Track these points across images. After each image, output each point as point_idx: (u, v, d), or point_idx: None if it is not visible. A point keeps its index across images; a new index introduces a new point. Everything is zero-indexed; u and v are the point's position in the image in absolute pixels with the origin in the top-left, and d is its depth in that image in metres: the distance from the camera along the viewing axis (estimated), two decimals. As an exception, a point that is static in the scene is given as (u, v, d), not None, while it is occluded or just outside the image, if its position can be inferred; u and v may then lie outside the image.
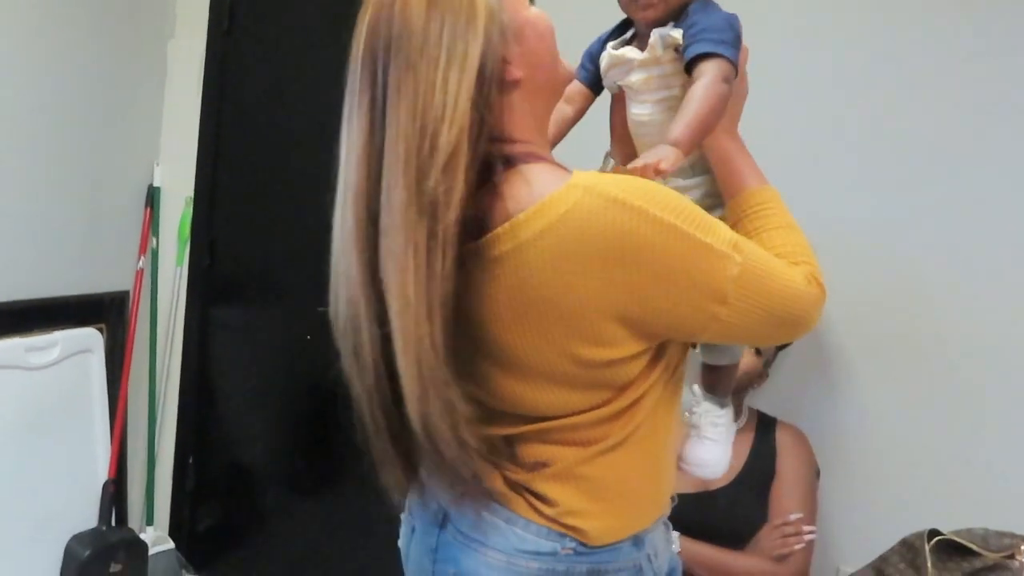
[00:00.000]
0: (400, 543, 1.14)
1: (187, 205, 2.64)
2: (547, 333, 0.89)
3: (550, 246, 0.85)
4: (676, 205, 0.87)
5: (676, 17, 1.02)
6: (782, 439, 1.86)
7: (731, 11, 1.04)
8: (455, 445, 0.90)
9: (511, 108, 0.94)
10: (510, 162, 0.90)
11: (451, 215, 0.84)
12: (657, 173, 0.88)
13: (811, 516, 1.83)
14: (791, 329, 0.98)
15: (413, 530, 1.10)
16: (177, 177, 2.65)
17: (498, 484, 1.00)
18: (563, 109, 1.14)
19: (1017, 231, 1.87)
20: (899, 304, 1.98)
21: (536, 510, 0.97)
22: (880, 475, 1.99)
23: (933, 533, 1.66)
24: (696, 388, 1.24)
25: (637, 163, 0.88)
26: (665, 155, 0.88)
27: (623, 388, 0.95)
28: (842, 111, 2.00)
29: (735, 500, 1.77)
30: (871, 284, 1.99)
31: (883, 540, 1.79)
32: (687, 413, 1.23)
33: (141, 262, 2.60)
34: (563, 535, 0.96)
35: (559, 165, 0.95)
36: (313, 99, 2.48)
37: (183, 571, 2.64)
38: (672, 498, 1.11)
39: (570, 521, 0.96)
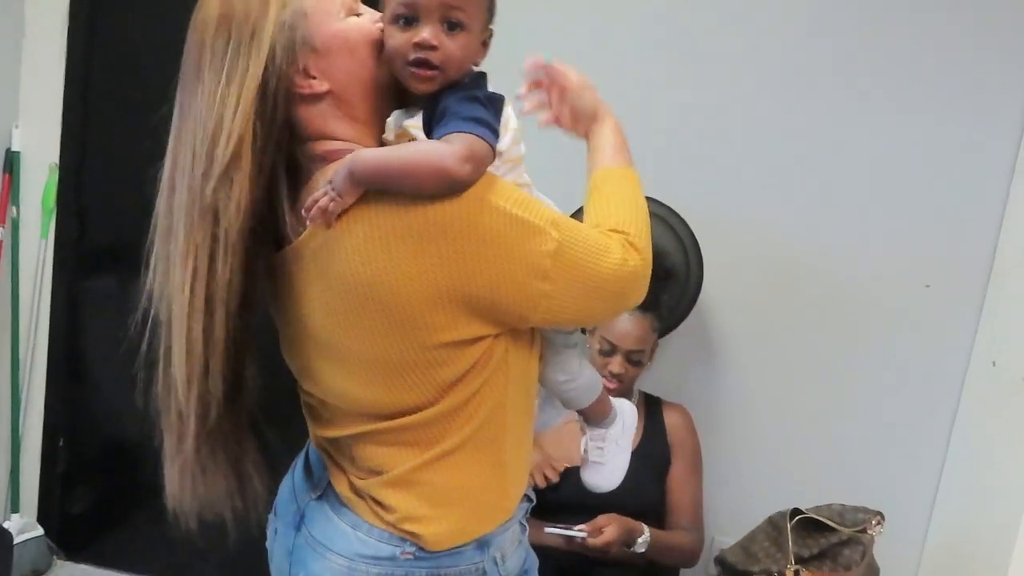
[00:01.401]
0: (267, 543, 1.15)
1: (51, 172, 2.44)
2: (372, 318, 0.90)
3: (363, 231, 0.87)
4: (489, 182, 0.89)
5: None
6: (671, 419, 1.95)
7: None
8: (197, 432, 0.95)
9: (323, 114, 0.95)
10: (322, 160, 0.94)
11: (232, 221, 0.89)
12: (322, 217, 0.87)
13: (700, 489, 1.93)
14: (618, 302, 0.99)
15: (276, 531, 1.12)
16: (39, 141, 2.44)
17: (345, 489, 1.03)
18: None
19: (893, 217, 2.01)
20: (777, 287, 2.08)
21: (377, 515, 0.99)
22: (754, 451, 2.12)
23: (795, 512, 1.78)
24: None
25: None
26: (333, 186, 0.87)
27: (452, 384, 0.95)
28: (714, 104, 2.07)
29: (628, 478, 1.83)
30: (750, 270, 2.09)
31: (755, 512, 1.90)
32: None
33: (0, 233, 2.41)
34: (403, 539, 0.98)
35: None
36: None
37: (54, 558, 2.52)
38: (527, 497, 1.13)
39: (408, 527, 0.98)
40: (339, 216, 0.87)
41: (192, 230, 0.89)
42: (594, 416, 1.25)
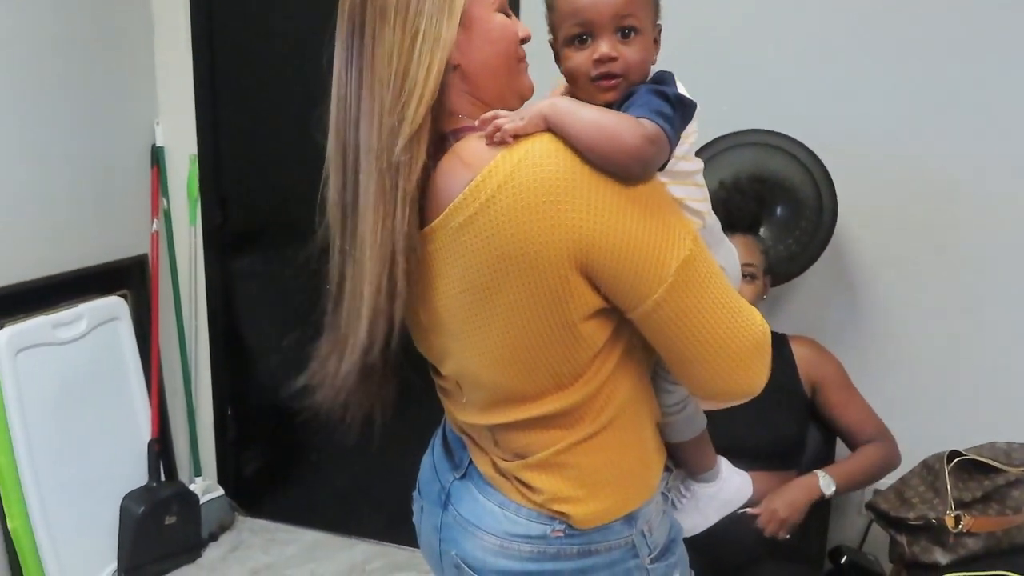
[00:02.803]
0: (414, 519, 1.19)
1: (192, 163, 2.61)
2: (513, 291, 0.89)
3: (509, 197, 0.86)
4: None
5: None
6: (799, 351, 1.88)
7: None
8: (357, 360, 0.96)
9: (453, 86, 0.95)
10: (452, 138, 0.94)
11: (412, 180, 0.89)
12: (497, 130, 0.87)
13: (863, 400, 1.85)
14: (728, 364, 0.91)
15: (422, 508, 1.15)
16: (179, 134, 2.61)
17: (489, 470, 1.04)
18: None
19: None
20: (920, 214, 1.93)
21: (524, 495, 1.01)
22: (906, 389, 2.00)
23: (953, 455, 1.67)
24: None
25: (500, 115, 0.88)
26: (520, 115, 0.87)
27: (587, 364, 0.94)
28: (856, 23, 1.89)
29: (760, 417, 1.79)
30: (890, 195, 1.95)
31: (912, 450, 1.81)
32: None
33: (155, 224, 2.61)
34: (552, 518, 0.99)
35: None
36: (306, 36, 2.38)
37: (235, 514, 2.78)
38: (667, 468, 1.12)
39: (557, 507, 0.99)
40: (508, 140, 0.87)
41: (380, 179, 0.90)
42: (689, 461, 1.17)
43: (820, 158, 1.86)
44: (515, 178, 0.85)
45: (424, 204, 0.93)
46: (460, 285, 0.92)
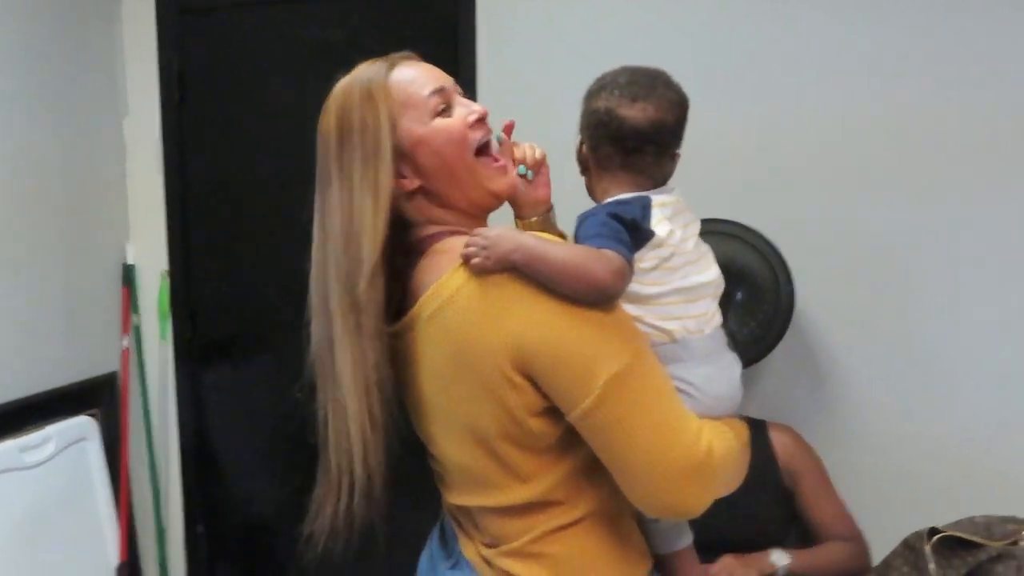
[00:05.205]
0: None
1: (163, 279, 2.64)
2: (466, 383, 0.95)
3: (464, 299, 0.93)
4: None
5: None
6: (778, 439, 1.87)
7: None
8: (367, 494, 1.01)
9: (420, 205, 1.04)
10: (427, 242, 1.02)
11: (372, 318, 0.97)
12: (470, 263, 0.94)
13: (838, 498, 1.83)
14: (657, 481, 0.92)
15: None
16: (150, 252, 2.65)
17: (474, 556, 1.07)
18: None
19: (994, 218, 1.86)
20: (881, 295, 1.96)
21: None
22: (878, 469, 1.98)
23: (933, 532, 1.64)
24: None
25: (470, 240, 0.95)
26: (490, 252, 0.92)
27: (547, 457, 0.98)
28: (813, 113, 1.99)
29: (740, 507, 1.76)
30: (851, 277, 1.98)
31: (888, 534, 1.77)
32: None
33: (125, 341, 2.61)
34: None
35: None
36: (274, 158, 2.48)
37: (208, 640, 2.66)
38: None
39: None
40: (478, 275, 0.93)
41: (346, 321, 0.97)
42: None
43: (773, 243, 1.91)
44: (471, 283, 0.92)
45: (408, 297, 1.01)
46: (430, 371, 0.98)
